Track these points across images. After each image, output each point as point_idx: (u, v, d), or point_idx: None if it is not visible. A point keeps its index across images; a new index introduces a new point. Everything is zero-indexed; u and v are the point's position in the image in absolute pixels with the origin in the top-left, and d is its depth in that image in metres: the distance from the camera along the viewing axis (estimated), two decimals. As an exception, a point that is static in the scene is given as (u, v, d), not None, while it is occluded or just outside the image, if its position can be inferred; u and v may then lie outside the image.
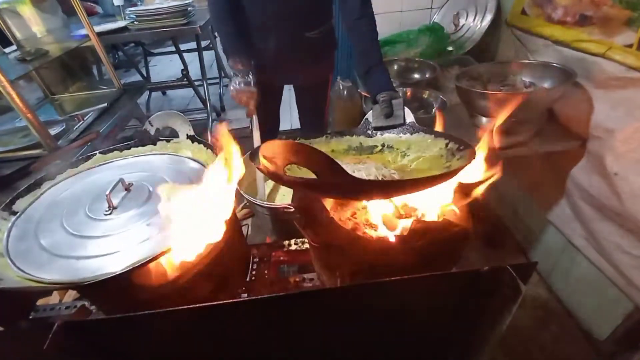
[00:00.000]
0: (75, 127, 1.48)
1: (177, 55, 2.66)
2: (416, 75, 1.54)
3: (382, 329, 0.54)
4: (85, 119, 1.51)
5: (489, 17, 1.58)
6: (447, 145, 0.79)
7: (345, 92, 2.29)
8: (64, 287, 0.53)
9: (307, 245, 1.02)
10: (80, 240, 0.63)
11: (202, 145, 0.87)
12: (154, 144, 0.90)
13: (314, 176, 0.56)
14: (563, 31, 1.19)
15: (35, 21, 1.87)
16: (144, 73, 3.26)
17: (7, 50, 1.73)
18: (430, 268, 0.67)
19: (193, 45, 2.64)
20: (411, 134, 0.91)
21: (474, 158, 0.61)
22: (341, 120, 2.29)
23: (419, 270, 0.65)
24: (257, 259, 0.99)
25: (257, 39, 1.29)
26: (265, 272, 0.97)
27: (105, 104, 1.59)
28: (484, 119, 1.16)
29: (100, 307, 0.75)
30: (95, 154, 0.86)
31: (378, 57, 1.09)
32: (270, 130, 1.65)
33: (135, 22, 2.08)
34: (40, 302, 0.93)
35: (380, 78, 1.05)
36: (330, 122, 2.55)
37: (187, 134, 0.88)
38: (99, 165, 0.86)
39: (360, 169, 0.73)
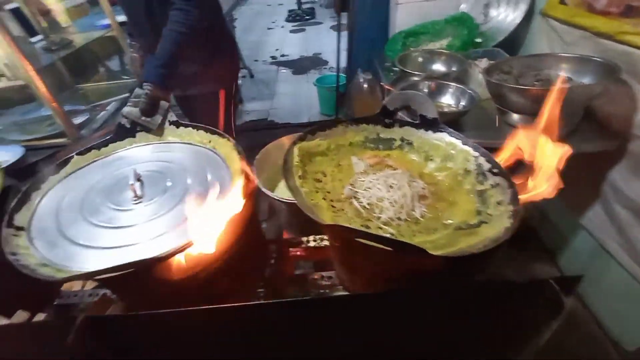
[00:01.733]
0: (98, 116, 1.49)
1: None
2: (442, 68, 1.47)
3: (408, 338, 0.52)
4: (107, 108, 1.52)
5: (522, 7, 1.49)
6: (475, 159, 0.73)
7: (365, 85, 2.24)
8: (84, 277, 0.53)
9: (325, 243, 1.00)
10: (104, 231, 0.63)
11: (189, 129, 0.89)
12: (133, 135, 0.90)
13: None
14: (606, 22, 1.10)
15: (59, 11, 1.90)
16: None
17: (33, 39, 1.76)
18: (459, 273, 0.64)
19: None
20: (433, 132, 0.84)
21: (518, 209, 0.56)
22: (361, 114, 2.24)
23: (446, 275, 0.62)
24: (275, 255, 0.98)
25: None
26: (283, 268, 0.96)
27: (127, 94, 1.60)
28: (516, 116, 1.10)
29: (122, 297, 0.76)
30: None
31: (162, 50, 1.03)
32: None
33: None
34: (64, 287, 0.95)
35: (150, 68, 0.99)
36: (348, 114, 2.51)
37: (169, 121, 0.90)
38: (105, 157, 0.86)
39: (393, 184, 0.69)
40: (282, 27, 5.90)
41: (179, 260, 0.56)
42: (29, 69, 1.15)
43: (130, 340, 0.47)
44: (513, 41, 1.57)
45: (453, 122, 1.17)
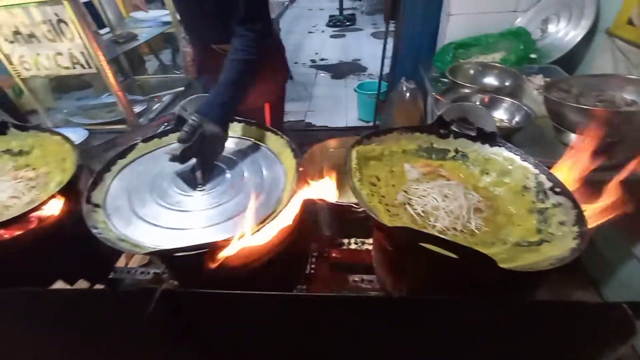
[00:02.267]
0: (154, 107, 1.59)
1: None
2: (494, 82, 1.44)
3: (462, 351, 0.52)
4: (163, 100, 1.62)
5: (584, 24, 1.43)
6: (535, 176, 0.72)
7: (407, 94, 2.23)
8: (165, 252, 0.56)
9: (367, 246, 1.00)
10: (172, 213, 0.68)
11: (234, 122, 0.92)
12: None
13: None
14: (680, 45, 1.05)
15: (126, 6, 2.04)
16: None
17: (101, 32, 1.90)
18: (511, 291, 0.63)
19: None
20: (490, 145, 0.83)
21: (585, 230, 0.55)
22: (401, 123, 2.23)
23: (497, 291, 0.61)
24: (316, 254, 1.00)
25: None
26: (322, 268, 0.97)
27: (182, 87, 1.69)
28: (574, 136, 1.06)
29: (176, 277, 0.80)
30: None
31: (227, 84, 0.92)
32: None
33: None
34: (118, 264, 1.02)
35: (209, 98, 0.88)
36: (387, 122, 2.50)
37: None
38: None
39: (448, 194, 0.69)
40: (323, 31, 5.98)
41: (239, 247, 0.59)
42: (101, 59, 1.25)
43: (200, 316, 0.50)
44: (570, 59, 1.52)
45: (505, 138, 1.14)
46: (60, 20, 1.16)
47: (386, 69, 2.48)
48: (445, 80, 1.61)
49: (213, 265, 0.57)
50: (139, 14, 1.97)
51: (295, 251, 0.87)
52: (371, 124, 2.76)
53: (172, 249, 0.53)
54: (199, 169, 0.76)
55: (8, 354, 0.55)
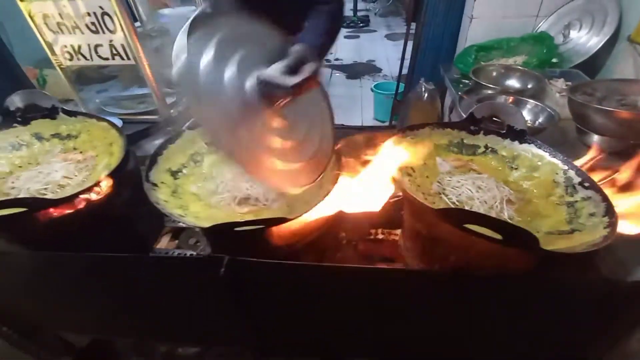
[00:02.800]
0: (183, 99, 1.64)
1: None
2: (517, 84, 1.48)
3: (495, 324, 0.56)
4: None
5: (606, 31, 1.46)
6: (565, 172, 0.75)
7: (426, 95, 2.26)
8: (226, 226, 0.59)
9: (393, 237, 1.05)
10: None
11: None
12: None
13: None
14: None
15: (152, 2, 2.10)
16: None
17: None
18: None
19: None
20: (520, 142, 0.87)
21: (615, 220, 0.57)
22: (417, 122, 2.26)
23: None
24: (345, 241, 1.04)
25: None
26: (352, 256, 1.02)
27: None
28: (596, 137, 1.09)
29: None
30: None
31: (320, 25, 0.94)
32: None
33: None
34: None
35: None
36: (403, 122, 2.54)
37: None
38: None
39: (481, 186, 0.73)
40: (337, 32, 6.02)
41: (295, 224, 0.64)
42: (140, 51, 1.31)
43: (258, 281, 0.55)
44: (592, 63, 1.55)
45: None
46: (104, 13, 1.22)
47: (405, 70, 2.52)
48: (466, 81, 1.65)
49: (269, 241, 0.62)
50: (165, 10, 2.04)
51: (328, 238, 0.92)
52: (387, 123, 2.80)
53: (233, 222, 0.58)
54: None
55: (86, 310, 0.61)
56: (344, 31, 6.00)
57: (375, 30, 5.96)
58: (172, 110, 1.53)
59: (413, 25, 2.36)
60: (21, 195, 0.82)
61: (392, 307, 0.55)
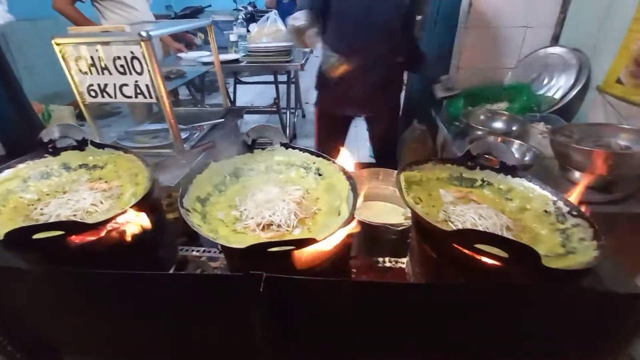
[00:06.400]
0: (195, 135, 1.75)
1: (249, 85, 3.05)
2: (503, 127, 1.64)
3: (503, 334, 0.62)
4: (204, 129, 1.78)
5: (577, 84, 1.67)
6: (554, 202, 0.85)
7: (418, 135, 2.44)
8: (258, 247, 0.66)
9: (400, 265, 1.11)
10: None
11: (296, 150, 1.03)
12: (251, 151, 1.05)
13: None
14: (662, 102, 1.25)
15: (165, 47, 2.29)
16: (231, 98, 3.69)
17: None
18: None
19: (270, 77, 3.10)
20: (512, 176, 0.98)
21: (603, 243, 0.67)
22: (412, 159, 2.41)
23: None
24: (355, 270, 1.10)
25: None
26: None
27: (222, 119, 1.87)
28: (577, 174, 1.22)
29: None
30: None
31: None
32: None
33: (247, 55, 2.45)
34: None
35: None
36: (399, 160, 2.69)
37: (280, 142, 1.03)
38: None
39: (482, 215, 0.82)
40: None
41: (312, 250, 0.70)
42: (163, 90, 1.42)
43: (293, 297, 0.61)
44: (567, 109, 1.74)
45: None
46: (134, 57, 1.35)
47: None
48: (457, 123, 1.81)
49: (292, 264, 0.68)
50: (181, 54, 2.22)
51: (342, 265, 0.98)
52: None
53: (267, 242, 0.65)
54: None
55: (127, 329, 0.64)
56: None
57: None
58: (184, 145, 1.63)
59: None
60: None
61: (421, 320, 0.61)
